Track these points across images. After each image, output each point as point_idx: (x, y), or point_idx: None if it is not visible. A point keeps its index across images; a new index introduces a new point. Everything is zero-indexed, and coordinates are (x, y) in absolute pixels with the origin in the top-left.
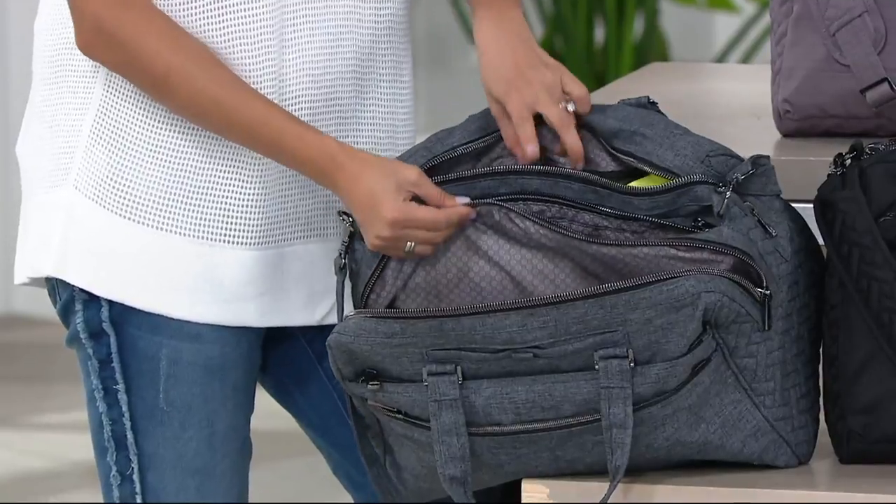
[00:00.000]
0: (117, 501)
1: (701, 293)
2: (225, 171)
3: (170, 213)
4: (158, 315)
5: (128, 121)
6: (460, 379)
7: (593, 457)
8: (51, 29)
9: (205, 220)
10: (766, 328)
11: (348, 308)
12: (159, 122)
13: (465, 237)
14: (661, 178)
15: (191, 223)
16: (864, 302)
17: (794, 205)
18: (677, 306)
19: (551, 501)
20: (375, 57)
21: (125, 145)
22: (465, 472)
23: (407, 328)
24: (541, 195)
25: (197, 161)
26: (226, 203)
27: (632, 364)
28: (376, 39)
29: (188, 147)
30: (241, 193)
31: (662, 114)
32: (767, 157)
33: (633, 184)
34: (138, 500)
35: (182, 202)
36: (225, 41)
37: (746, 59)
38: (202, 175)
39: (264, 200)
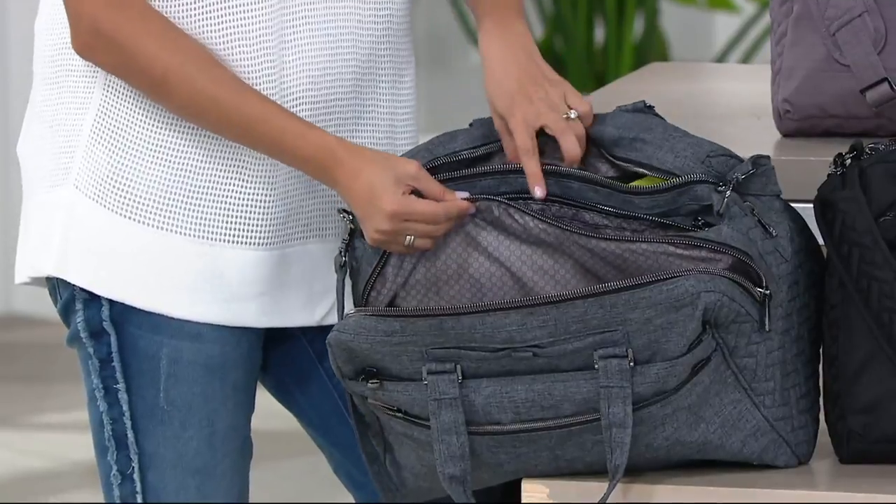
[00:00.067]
0: (118, 501)
1: (701, 293)
2: (226, 171)
3: (170, 212)
4: (159, 314)
5: (128, 121)
6: (460, 378)
7: (593, 456)
8: (51, 29)
9: (205, 219)
10: (766, 328)
11: (349, 306)
12: (159, 121)
13: (465, 233)
14: (659, 179)
15: (191, 223)
16: (864, 302)
17: (794, 205)
18: (677, 306)
19: (551, 501)
20: (376, 58)
21: (125, 145)
22: (464, 471)
23: (407, 326)
24: None
25: (197, 160)
26: (227, 202)
27: (631, 363)
28: (376, 41)
29: (188, 146)
30: (242, 193)
31: (660, 117)
32: (768, 157)
33: (631, 184)
34: (139, 500)
35: (182, 202)
36: (224, 42)
37: (746, 59)
38: (203, 174)
39: (267, 200)
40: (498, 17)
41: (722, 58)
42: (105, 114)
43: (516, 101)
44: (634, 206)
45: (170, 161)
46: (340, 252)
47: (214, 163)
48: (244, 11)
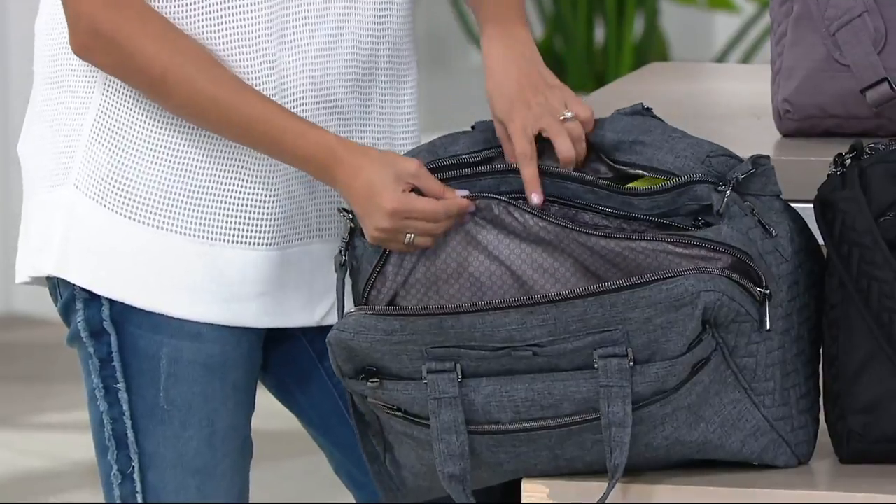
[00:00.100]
0: (118, 500)
1: (700, 292)
2: (226, 171)
3: (170, 212)
4: (159, 314)
5: (128, 120)
6: (460, 377)
7: (592, 455)
8: (51, 29)
9: (205, 219)
10: (766, 328)
11: (349, 305)
12: (159, 121)
13: (465, 232)
14: (658, 180)
15: (191, 222)
16: (864, 302)
17: (794, 205)
18: (677, 305)
19: (551, 501)
20: (376, 59)
21: (126, 145)
22: (464, 471)
23: (406, 325)
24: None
25: (197, 160)
26: (227, 202)
27: (631, 363)
28: (376, 42)
29: (189, 146)
30: (242, 193)
31: (659, 119)
32: (767, 156)
33: (630, 185)
34: (139, 500)
35: (183, 201)
36: (224, 43)
37: (746, 59)
38: (203, 174)
39: (267, 200)
40: (500, 23)
41: (722, 58)
42: (105, 114)
43: (515, 107)
44: (634, 207)
45: (170, 161)
46: (340, 251)
47: (215, 163)
48: (244, 12)
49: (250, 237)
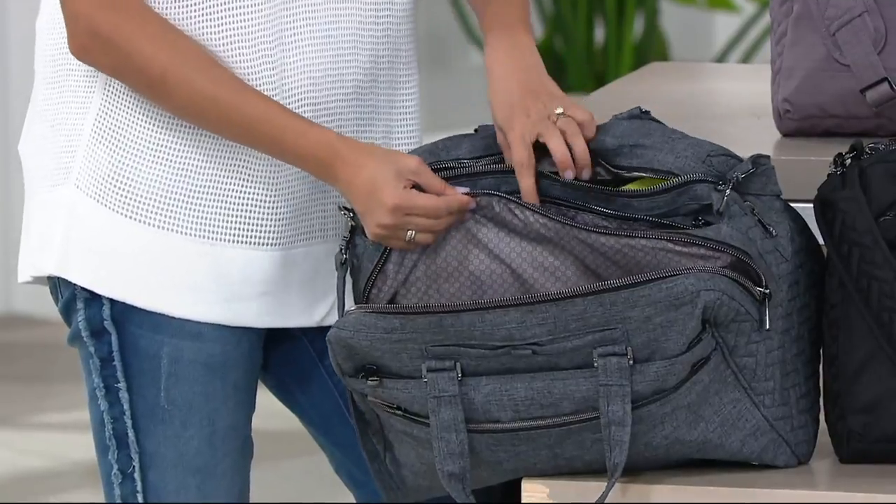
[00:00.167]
0: (118, 500)
1: (700, 291)
2: (228, 172)
3: (171, 212)
4: (160, 314)
5: (129, 120)
6: (459, 375)
7: (592, 455)
8: (52, 28)
9: (206, 219)
10: (766, 327)
11: (349, 304)
12: (160, 122)
13: (465, 230)
14: (655, 180)
15: (192, 222)
16: (864, 301)
17: (794, 205)
18: (676, 304)
19: (551, 501)
20: (377, 60)
21: (126, 144)
22: (463, 469)
23: (406, 323)
24: (541, 196)
25: (199, 161)
26: (228, 202)
27: (631, 362)
28: (377, 43)
29: (190, 146)
30: (243, 193)
31: (657, 121)
32: (767, 156)
33: (627, 187)
34: (139, 499)
35: (184, 201)
36: (225, 44)
37: (746, 59)
38: (204, 174)
39: (269, 201)
40: (504, 31)
41: (722, 58)
42: (106, 113)
43: (515, 115)
44: (633, 208)
45: (171, 161)
46: (341, 249)
47: (216, 164)
48: (245, 13)
49: (252, 237)
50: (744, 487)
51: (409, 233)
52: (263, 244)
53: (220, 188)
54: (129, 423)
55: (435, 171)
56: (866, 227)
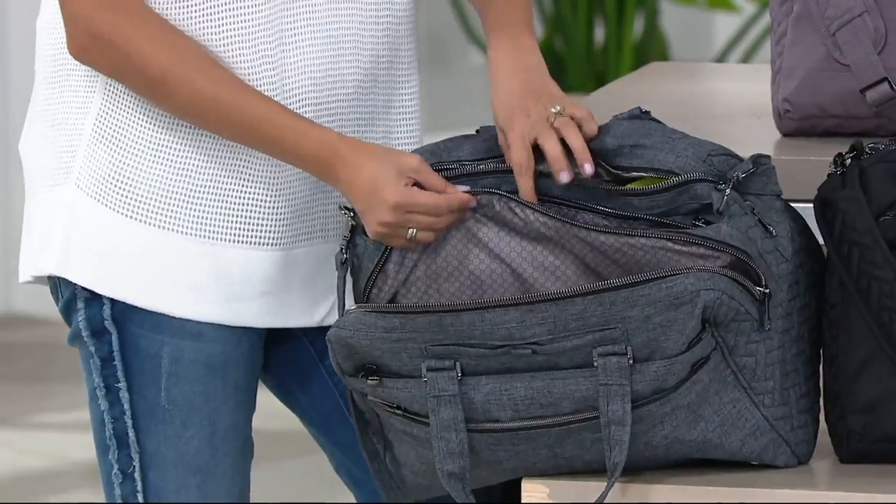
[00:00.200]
0: (119, 500)
1: (700, 290)
2: (229, 173)
3: (172, 211)
4: (160, 313)
5: (129, 120)
6: (459, 375)
7: (592, 454)
8: (52, 28)
9: (207, 218)
10: (766, 327)
11: (350, 304)
12: (161, 121)
13: (466, 229)
14: (656, 179)
15: (193, 222)
16: (864, 301)
17: (794, 204)
18: (676, 304)
19: (551, 501)
20: (378, 60)
21: (127, 144)
22: (463, 469)
23: (406, 323)
24: (541, 195)
25: (199, 160)
26: (229, 202)
27: (630, 361)
28: (378, 43)
29: (190, 146)
30: (244, 193)
31: (658, 121)
32: (768, 156)
33: (628, 186)
34: (140, 499)
35: (185, 201)
36: (226, 44)
37: (746, 58)
38: (205, 174)
39: (270, 201)
40: (507, 33)
41: (722, 58)
42: (106, 113)
43: (515, 115)
44: (634, 207)
45: (171, 160)
46: (342, 249)
47: (217, 163)
48: (246, 14)
49: (253, 237)
50: (744, 487)
51: (411, 231)
52: (264, 244)
53: (221, 188)
54: (129, 422)
55: (436, 171)
56: (866, 227)
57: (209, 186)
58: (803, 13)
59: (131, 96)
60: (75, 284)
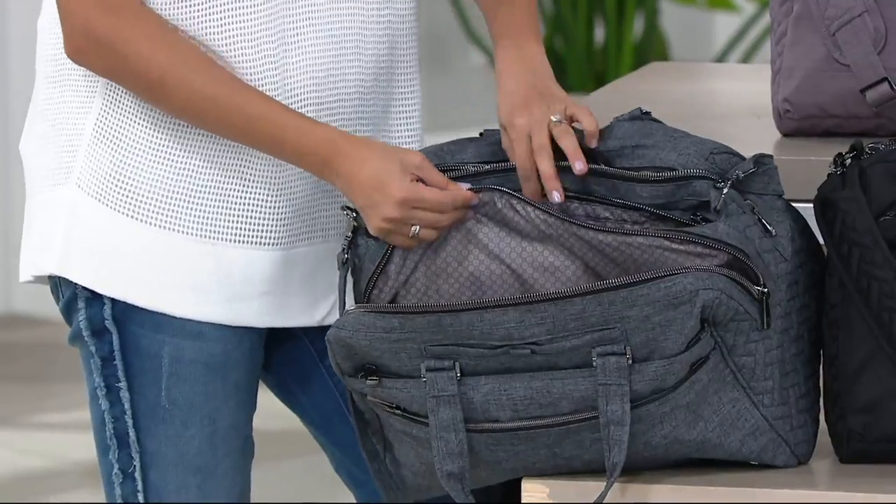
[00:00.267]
0: (119, 500)
1: (699, 290)
2: (229, 171)
3: (172, 211)
4: (161, 313)
5: (130, 120)
6: (458, 375)
7: (591, 454)
8: (53, 28)
9: (208, 218)
10: (765, 326)
11: (350, 304)
12: (162, 121)
13: (466, 229)
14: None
15: (193, 222)
16: (864, 301)
17: (794, 204)
18: (675, 303)
19: (551, 501)
20: (379, 60)
21: (128, 144)
22: (462, 469)
23: (405, 323)
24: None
25: (200, 160)
26: (229, 202)
27: (629, 361)
28: (380, 43)
29: (191, 145)
30: (245, 193)
31: (658, 121)
32: (770, 156)
33: None
34: (140, 499)
35: (185, 201)
36: (227, 44)
37: (746, 58)
38: (205, 174)
39: (270, 201)
40: (513, 38)
41: (722, 58)
42: (107, 113)
43: (518, 113)
44: (636, 194)
45: (172, 160)
46: (343, 249)
47: (218, 163)
48: (247, 14)
49: (254, 237)
50: (744, 487)
51: (414, 228)
52: (265, 244)
53: (222, 189)
54: (129, 422)
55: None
56: (866, 227)
57: (210, 187)
58: (803, 13)
59: (132, 96)
60: (76, 284)
